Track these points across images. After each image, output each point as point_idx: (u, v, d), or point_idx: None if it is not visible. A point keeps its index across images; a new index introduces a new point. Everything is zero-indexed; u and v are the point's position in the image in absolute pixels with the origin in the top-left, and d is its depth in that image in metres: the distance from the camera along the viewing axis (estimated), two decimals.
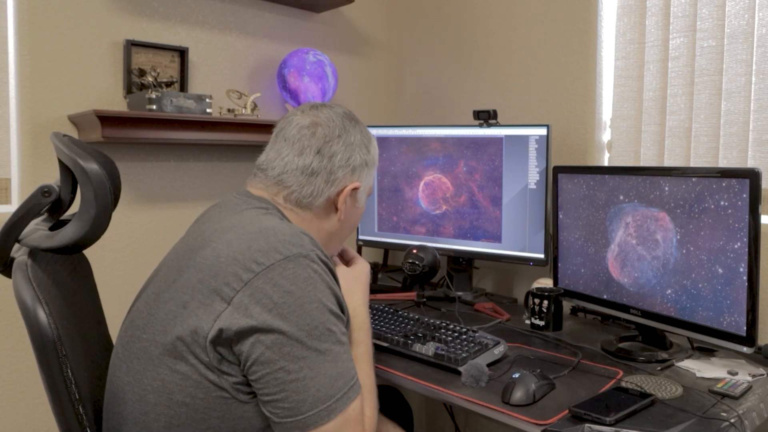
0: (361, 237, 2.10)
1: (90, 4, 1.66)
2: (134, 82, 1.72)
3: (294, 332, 0.86)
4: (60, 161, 0.99)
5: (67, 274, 1.05)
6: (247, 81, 2.00)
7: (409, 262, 1.71)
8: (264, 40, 2.04)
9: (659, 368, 1.29)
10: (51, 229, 0.98)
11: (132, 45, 1.71)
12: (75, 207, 1.00)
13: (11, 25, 1.55)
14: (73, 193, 1.01)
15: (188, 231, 1.07)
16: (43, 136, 1.60)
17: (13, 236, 0.96)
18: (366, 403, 0.97)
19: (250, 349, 0.86)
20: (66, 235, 0.91)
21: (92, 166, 0.91)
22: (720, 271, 1.22)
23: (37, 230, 0.97)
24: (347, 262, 1.25)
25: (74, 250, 0.93)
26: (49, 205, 0.98)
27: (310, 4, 2.08)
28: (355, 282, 1.17)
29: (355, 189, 1.11)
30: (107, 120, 1.52)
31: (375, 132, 2.04)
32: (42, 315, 0.85)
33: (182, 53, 1.81)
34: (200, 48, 1.88)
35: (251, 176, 1.12)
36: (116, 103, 1.72)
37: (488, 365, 1.26)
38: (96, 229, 0.91)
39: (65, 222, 0.97)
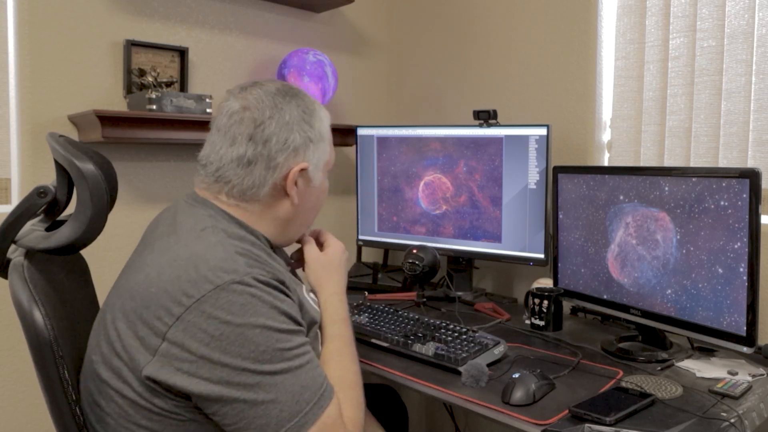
0: (361, 237, 2.10)
1: (90, 4, 1.66)
2: (134, 82, 1.72)
3: (239, 363, 0.81)
4: (56, 162, 0.99)
5: (63, 275, 1.05)
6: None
7: (409, 262, 1.71)
8: (264, 40, 2.04)
9: (659, 368, 1.29)
10: (47, 229, 0.98)
11: (132, 45, 1.71)
12: (72, 207, 1.00)
13: (11, 25, 1.55)
14: (69, 193, 1.00)
15: (141, 239, 1.03)
16: (43, 136, 1.60)
17: (10, 237, 0.96)
18: (347, 402, 0.93)
19: (197, 386, 0.81)
20: (62, 235, 0.91)
21: (88, 167, 0.90)
22: (720, 271, 1.22)
23: (33, 231, 0.96)
24: (320, 245, 1.18)
25: (70, 250, 0.92)
26: (45, 205, 0.97)
27: (310, 4, 2.08)
28: (325, 270, 1.12)
29: (303, 169, 1.01)
30: (107, 120, 1.52)
31: (375, 132, 2.04)
32: (38, 316, 0.85)
33: (182, 53, 1.81)
34: (200, 48, 1.88)
35: (196, 174, 1.03)
36: (116, 103, 1.72)
37: (488, 365, 1.26)
38: (92, 230, 0.91)
39: (61, 222, 0.97)
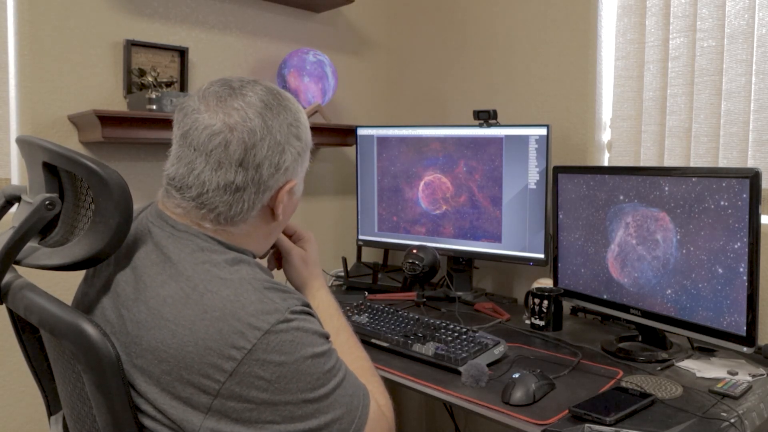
0: (361, 237, 2.10)
1: (90, 4, 1.66)
2: (134, 82, 1.72)
3: (299, 396, 0.81)
4: (46, 165, 0.88)
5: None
6: None
7: (409, 262, 1.71)
8: (264, 40, 2.04)
9: (659, 368, 1.29)
10: (40, 243, 0.90)
11: (132, 45, 1.70)
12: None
13: (11, 25, 1.55)
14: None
15: (110, 278, 0.89)
16: (42, 137, 1.60)
17: (13, 257, 0.85)
18: (375, 391, 0.94)
19: (261, 430, 0.80)
20: (81, 248, 0.83)
21: (111, 173, 0.82)
22: (720, 271, 1.22)
23: (30, 247, 0.88)
24: (290, 237, 1.15)
25: (92, 263, 0.84)
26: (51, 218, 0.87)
27: (310, 4, 2.08)
28: (308, 267, 1.10)
29: (292, 186, 0.94)
30: (107, 120, 1.52)
31: (375, 132, 2.04)
32: (93, 332, 0.77)
33: (182, 53, 1.81)
34: (200, 48, 1.88)
35: (164, 192, 0.92)
36: (116, 103, 1.72)
37: (488, 365, 1.26)
38: (117, 240, 0.83)
39: (45, 233, 0.89)
